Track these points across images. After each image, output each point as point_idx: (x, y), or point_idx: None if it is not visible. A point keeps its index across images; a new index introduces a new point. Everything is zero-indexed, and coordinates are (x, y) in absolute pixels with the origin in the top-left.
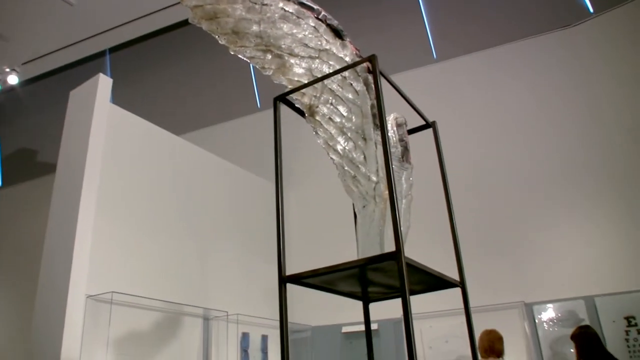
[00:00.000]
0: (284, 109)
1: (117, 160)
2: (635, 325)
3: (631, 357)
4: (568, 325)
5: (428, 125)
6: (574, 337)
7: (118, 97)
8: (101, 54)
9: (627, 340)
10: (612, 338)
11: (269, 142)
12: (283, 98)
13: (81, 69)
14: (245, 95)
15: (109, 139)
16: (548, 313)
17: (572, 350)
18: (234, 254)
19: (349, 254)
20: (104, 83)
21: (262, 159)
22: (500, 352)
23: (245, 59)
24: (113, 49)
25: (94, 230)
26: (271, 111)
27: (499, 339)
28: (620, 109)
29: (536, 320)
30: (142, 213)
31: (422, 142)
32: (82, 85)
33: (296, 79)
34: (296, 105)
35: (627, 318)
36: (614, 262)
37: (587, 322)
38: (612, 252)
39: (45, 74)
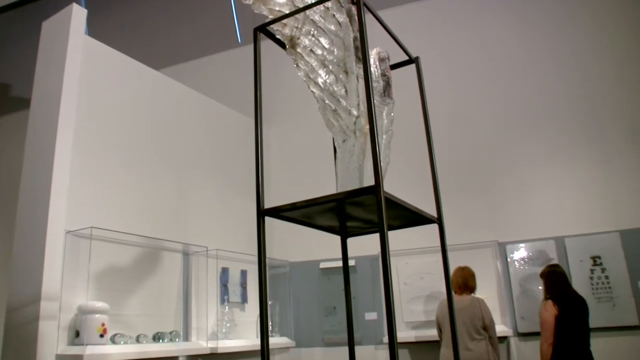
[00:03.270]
0: (264, 43)
1: (94, 94)
2: (600, 264)
3: (594, 294)
4: (538, 264)
5: (411, 60)
6: (543, 274)
7: (93, 30)
8: None
9: (591, 278)
10: (578, 276)
11: (249, 79)
12: (263, 28)
13: None
14: (225, 29)
15: (84, 72)
16: (520, 252)
17: (540, 287)
18: (214, 189)
19: (328, 188)
20: (78, 13)
21: (242, 95)
22: (473, 289)
23: None
24: None
25: (72, 166)
26: (251, 47)
27: (472, 275)
28: (602, 52)
29: (508, 259)
30: (121, 148)
31: (404, 79)
32: (55, 15)
33: (277, 8)
34: (277, 36)
35: (593, 258)
36: (585, 205)
37: (556, 261)
38: (583, 195)
39: (16, 4)
